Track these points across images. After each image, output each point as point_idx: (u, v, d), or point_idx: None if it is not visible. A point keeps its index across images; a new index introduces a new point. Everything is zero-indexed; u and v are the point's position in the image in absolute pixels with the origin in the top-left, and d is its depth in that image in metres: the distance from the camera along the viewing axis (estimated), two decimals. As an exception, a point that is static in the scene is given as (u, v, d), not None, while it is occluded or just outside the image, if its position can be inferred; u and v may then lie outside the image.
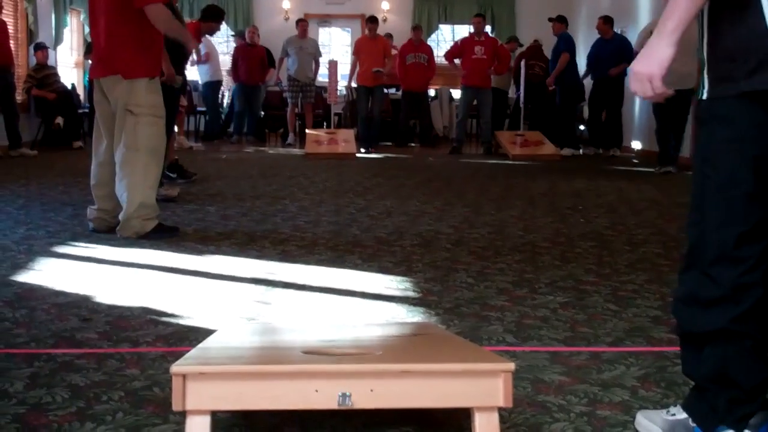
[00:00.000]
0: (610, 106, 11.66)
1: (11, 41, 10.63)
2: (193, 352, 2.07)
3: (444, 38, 16.03)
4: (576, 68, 11.92)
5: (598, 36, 11.62)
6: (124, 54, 4.88)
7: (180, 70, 6.15)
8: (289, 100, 12.83)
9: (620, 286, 3.89)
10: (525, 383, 2.53)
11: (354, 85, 12.44)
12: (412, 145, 13.26)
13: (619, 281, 3.99)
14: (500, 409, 1.82)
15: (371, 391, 1.77)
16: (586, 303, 3.57)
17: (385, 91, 12.78)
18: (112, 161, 4.95)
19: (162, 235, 4.88)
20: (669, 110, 9.00)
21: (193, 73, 12.61)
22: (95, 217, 5.08)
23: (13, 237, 4.88)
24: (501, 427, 1.85)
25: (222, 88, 13.72)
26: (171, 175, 7.24)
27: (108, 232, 4.98)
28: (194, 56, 11.09)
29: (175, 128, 7.86)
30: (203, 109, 13.55)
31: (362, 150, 11.52)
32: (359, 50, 12.03)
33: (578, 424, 2.23)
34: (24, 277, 3.91)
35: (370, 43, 11.93)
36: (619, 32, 11.82)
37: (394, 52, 12.56)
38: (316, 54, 12.71)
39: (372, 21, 12.15)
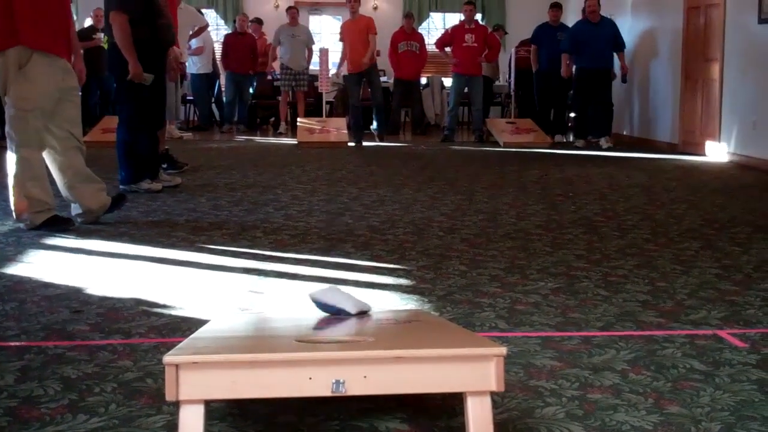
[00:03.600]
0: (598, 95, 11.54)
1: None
2: (186, 342, 2.07)
3: (435, 26, 15.99)
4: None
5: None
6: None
7: (152, 68, 6.07)
8: (281, 89, 12.76)
9: (610, 271, 3.91)
10: (517, 368, 2.55)
11: (345, 72, 12.01)
12: (404, 133, 13.24)
13: (609, 267, 4.01)
14: (493, 394, 1.83)
15: (364, 377, 1.78)
16: (576, 288, 3.58)
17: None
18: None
19: (53, 228, 4.77)
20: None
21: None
22: (77, 213, 5.09)
23: (1, 229, 4.87)
24: (493, 411, 1.86)
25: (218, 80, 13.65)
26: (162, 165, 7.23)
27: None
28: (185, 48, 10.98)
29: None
30: (192, 98, 13.49)
31: (353, 142, 11.01)
32: (344, 35, 11.69)
33: (570, 408, 2.25)
34: (13, 269, 3.91)
35: (353, 25, 11.48)
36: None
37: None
38: (309, 42, 12.61)
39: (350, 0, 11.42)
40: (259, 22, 13.68)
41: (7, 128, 4.77)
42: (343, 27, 12.02)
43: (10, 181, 4.79)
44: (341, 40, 11.95)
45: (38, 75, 4.69)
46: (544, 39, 11.69)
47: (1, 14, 4.62)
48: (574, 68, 11.11)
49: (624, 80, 10.98)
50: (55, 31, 4.77)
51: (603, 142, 10.91)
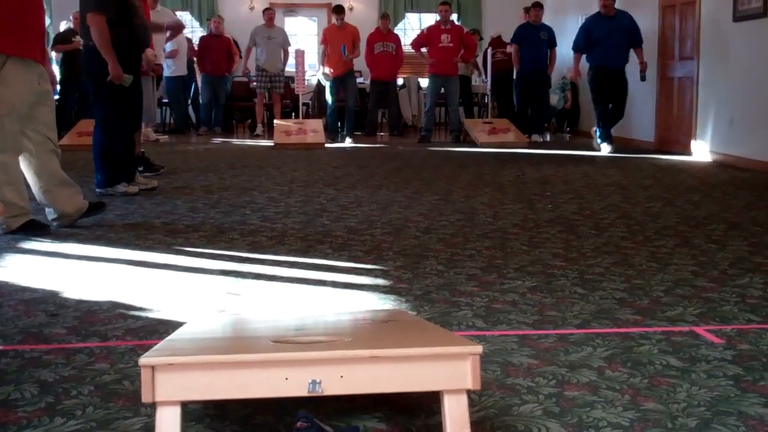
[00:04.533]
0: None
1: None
2: (162, 344, 2.07)
3: (411, 27, 16.01)
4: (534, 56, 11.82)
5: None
6: None
7: (130, 69, 6.06)
8: (257, 91, 12.74)
9: (587, 269, 3.93)
10: (494, 366, 2.56)
11: (327, 71, 12.19)
12: (381, 134, 13.25)
13: (586, 265, 4.03)
14: (469, 392, 1.84)
15: (341, 377, 1.78)
16: (553, 287, 3.60)
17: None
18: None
19: (30, 232, 4.76)
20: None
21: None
22: (53, 218, 5.07)
23: (-21, 234, 4.83)
24: (470, 409, 1.87)
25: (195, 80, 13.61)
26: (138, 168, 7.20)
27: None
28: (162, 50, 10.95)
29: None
30: (167, 101, 13.43)
31: (330, 142, 11.40)
32: (327, 39, 11.96)
33: (547, 405, 2.26)
34: (-10, 273, 3.88)
35: (339, 31, 11.85)
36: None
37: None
38: (285, 43, 12.62)
39: (338, 11, 12.11)
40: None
41: None
42: (326, 32, 12.12)
43: None
44: (323, 42, 12.05)
45: (14, 79, 4.65)
46: (526, 38, 11.68)
47: None
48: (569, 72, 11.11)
49: (643, 78, 10.06)
50: (30, 36, 4.73)
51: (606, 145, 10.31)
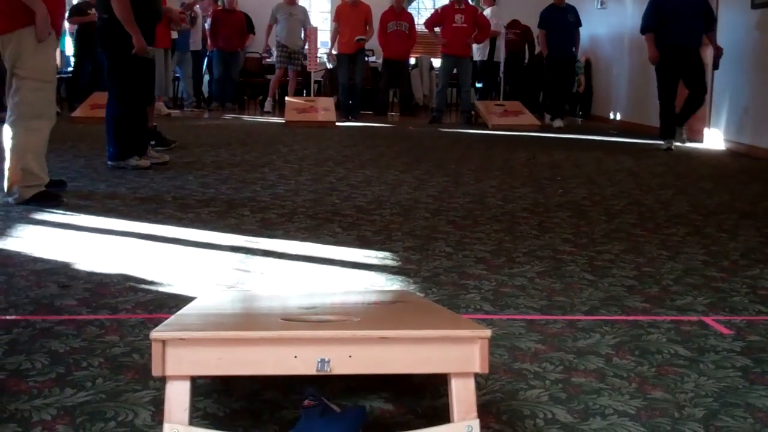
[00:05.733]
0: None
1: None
2: (173, 318, 2.08)
3: (425, 6, 15.93)
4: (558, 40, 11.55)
5: None
6: (2, 8, 4.72)
7: (150, 42, 6.10)
8: (276, 66, 12.68)
9: (596, 255, 3.93)
10: (502, 351, 2.56)
11: (335, 52, 12.30)
12: (392, 114, 13.22)
13: (596, 251, 4.02)
14: (477, 375, 1.84)
15: (350, 357, 1.78)
16: (562, 272, 3.60)
17: (366, 59, 12.71)
18: None
19: (42, 203, 4.78)
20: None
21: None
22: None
23: (-10, 203, 4.85)
24: (477, 393, 1.87)
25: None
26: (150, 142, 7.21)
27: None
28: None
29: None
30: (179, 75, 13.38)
31: (343, 119, 11.42)
32: (339, 17, 11.93)
33: (553, 391, 2.26)
34: (1, 243, 3.90)
35: (351, 10, 11.81)
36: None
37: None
38: (306, 21, 12.58)
39: None
40: None
41: (15, 99, 4.76)
42: (339, 9, 12.05)
43: (9, 152, 4.80)
44: (335, 20, 12.00)
45: (51, 51, 4.90)
46: (552, 22, 11.33)
47: None
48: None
49: (717, 66, 8.67)
50: (62, 12, 5.10)
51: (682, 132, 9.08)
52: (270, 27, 12.56)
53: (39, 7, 4.65)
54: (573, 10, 11.50)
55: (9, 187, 4.83)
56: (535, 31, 12.35)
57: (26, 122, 4.77)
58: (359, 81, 12.09)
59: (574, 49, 11.56)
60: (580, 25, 11.51)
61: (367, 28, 11.88)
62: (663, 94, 8.75)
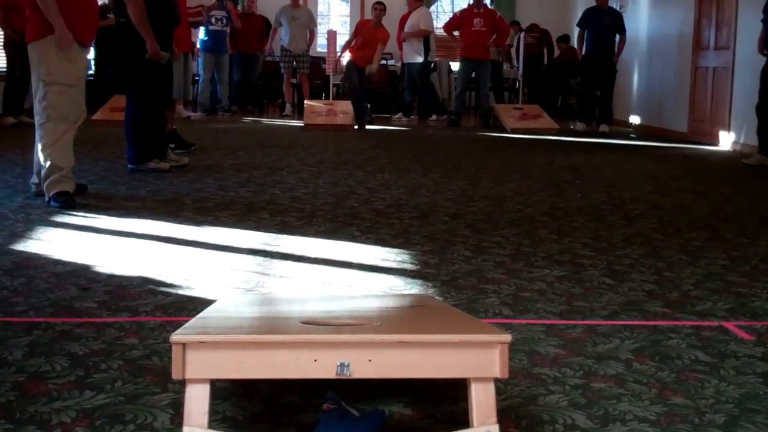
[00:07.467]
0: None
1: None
2: (193, 321, 2.08)
3: (443, 9, 15.93)
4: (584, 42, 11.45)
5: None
6: (31, 17, 4.97)
7: (163, 47, 6.12)
8: (282, 71, 12.70)
9: (616, 260, 3.91)
10: (521, 355, 2.55)
11: (344, 60, 11.98)
12: (411, 117, 13.20)
13: (615, 255, 4.00)
14: (496, 380, 1.84)
15: (369, 361, 1.78)
16: (582, 277, 3.58)
17: (384, 62, 12.59)
18: None
19: (61, 201, 4.87)
20: None
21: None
22: (34, 182, 5.23)
23: (11, 206, 4.88)
24: (497, 398, 1.87)
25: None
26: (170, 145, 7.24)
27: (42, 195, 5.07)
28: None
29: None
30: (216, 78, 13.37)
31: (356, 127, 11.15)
32: (358, 32, 11.61)
33: (573, 396, 2.25)
34: (22, 245, 3.92)
35: (372, 30, 11.40)
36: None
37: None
38: (310, 24, 12.53)
39: (379, 5, 11.50)
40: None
41: (43, 103, 4.94)
42: (360, 26, 11.68)
43: (40, 147, 4.97)
44: (354, 34, 11.77)
45: (80, 58, 5.10)
46: (591, 23, 11.20)
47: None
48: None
49: None
50: (92, 25, 5.25)
51: None
52: (275, 30, 12.53)
53: (57, 22, 4.88)
54: (612, 14, 11.31)
55: (44, 186, 4.98)
56: (554, 35, 12.32)
57: (53, 124, 4.94)
58: (363, 88, 11.66)
59: (611, 53, 11.25)
60: (621, 30, 11.22)
61: (378, 49, 11.36)
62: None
